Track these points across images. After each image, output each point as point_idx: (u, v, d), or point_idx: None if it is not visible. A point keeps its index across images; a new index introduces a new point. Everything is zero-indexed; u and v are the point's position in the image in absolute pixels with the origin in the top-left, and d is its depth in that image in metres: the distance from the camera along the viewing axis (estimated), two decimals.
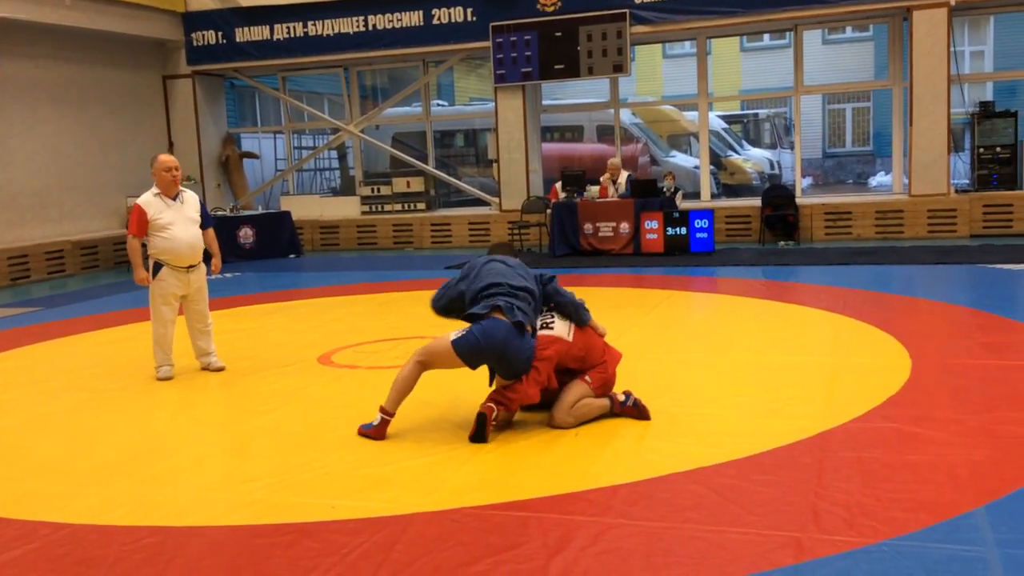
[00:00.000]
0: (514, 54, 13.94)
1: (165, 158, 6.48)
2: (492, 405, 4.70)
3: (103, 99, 14.52)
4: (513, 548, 3.40)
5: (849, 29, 22.89)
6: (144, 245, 6.45)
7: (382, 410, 4.82)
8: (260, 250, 14.37)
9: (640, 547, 3.35)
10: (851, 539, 3.33)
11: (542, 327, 4.90)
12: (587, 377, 4.94)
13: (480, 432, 4.64)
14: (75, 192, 13.97)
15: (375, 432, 4.80)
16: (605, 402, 4.97)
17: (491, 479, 4.17)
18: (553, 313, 5.00)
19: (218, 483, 4.40)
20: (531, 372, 4.72)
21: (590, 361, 4.99)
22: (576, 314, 4.99)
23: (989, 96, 17.47)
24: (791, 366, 5.95)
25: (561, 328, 4.91)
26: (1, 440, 5.25)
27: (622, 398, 4.99)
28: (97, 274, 13.46)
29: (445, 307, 4.99)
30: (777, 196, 13.28)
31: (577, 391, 4.89)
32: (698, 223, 11.90)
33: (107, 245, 14.01)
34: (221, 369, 6.61)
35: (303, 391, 5.91)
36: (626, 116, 17.45)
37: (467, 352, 4.67)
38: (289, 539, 3.57)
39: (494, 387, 4.85)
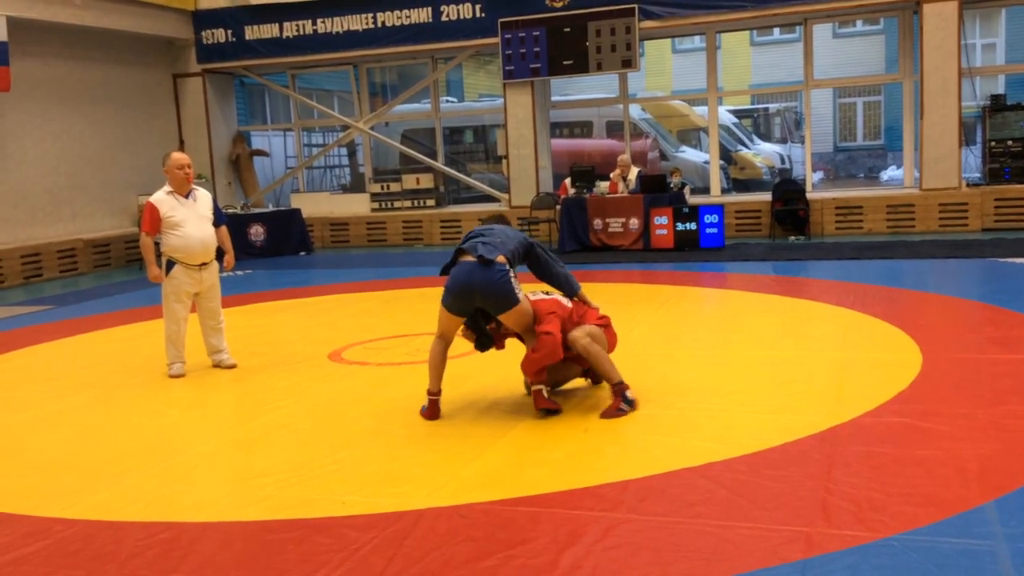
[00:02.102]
0: (523, 50, 13.94)
1: (178, 156, 6.50)
2: (540, 387, 4.91)
3: (113, 98, 14.59)
4: (523, 543, 3.41)
5: (859, 23, 22.83)
6: (157, 243, 6.48)
7: (428, 392, 5.08)
8: (271, 247, 14.42)
9: (650, 542, 3.36)
10: (860, 534, 3.33)
11: (544, 293, 5.14)
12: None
13: (550, 411, 4.93)
14: (86, 191, 14.04)
15: (428, 414, 5.07)
16: (612, 369, 4.99)
17: (500, 475, 4.18)
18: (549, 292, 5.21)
19: (230, 479, 4.44)
20: (542, 329, 4.87)
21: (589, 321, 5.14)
22: (566, 284, 5.17)
23: (1001, 89, 17.41)
24: (801, 361, 5.94)
25: (560, 297, 5.14)
26: (14, 437, 5.30)
27: (630, 394, 5.00)
28: (109, 272, 13.53)
29: (444, 271, 5.15)
30: (788, 191, 13.23)
31: (596, 331, 5.05)
32: (708, 218, 11.87)
33: (119, 243, 14.08)
34: (233, 366, 6.64)
35: (314, 388, 5.93)
36: (635, 111, 17.43)
37: (448, 303, 4.95)
38: (300, 534, 3.60)
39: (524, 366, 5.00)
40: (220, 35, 15.47)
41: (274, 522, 3.75)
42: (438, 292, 5.22)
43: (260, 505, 3.96)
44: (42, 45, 13.27)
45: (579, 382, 5.52)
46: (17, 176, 13.00)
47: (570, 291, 5.16)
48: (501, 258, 4.88)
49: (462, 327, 5.15)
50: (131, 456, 4.78)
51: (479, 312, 5.05)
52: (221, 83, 16.20)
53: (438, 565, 3.28)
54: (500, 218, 5.53)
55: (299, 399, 5.67)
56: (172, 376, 6.47)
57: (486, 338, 5.24)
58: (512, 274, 4.91)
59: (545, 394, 4.96)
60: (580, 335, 4.97)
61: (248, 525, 3.76)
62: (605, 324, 5.25)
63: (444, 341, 5.09)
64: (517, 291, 4.90)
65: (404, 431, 4.92)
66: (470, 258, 4.90)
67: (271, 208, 15.68)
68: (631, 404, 4.95)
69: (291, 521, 3.75)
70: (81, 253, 13.57)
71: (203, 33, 15.52)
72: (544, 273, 5.21)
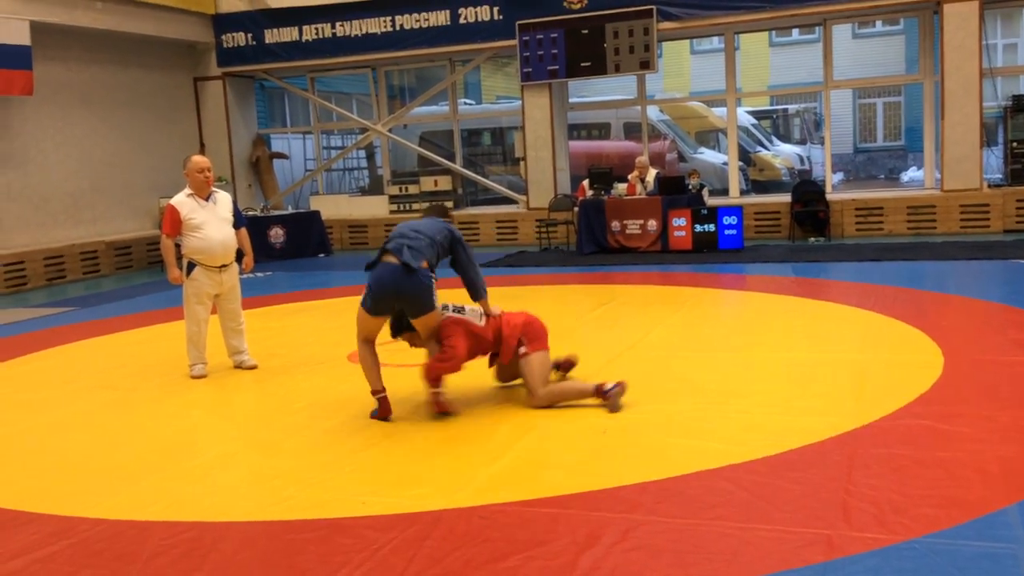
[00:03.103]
0: (540, 52, 13.95)
1: (198, 159, 6.55)
2: (438, 391, 5.11)
3: (135, 101, 14.71)
4: (542, 544, 3.42)
5: (879, 23, 22.69)
6: (177, 245, 6.54)
7: (373, 393, 5.19)
8: (290, 250, 14.50)
9: (669, 544, 3.36)
10: (882, 536, 3.32)
11: (455, 310, 5.27)
12: (522, 348, 5.25)
13: (446, 413, 5.12)
14: (108, 193, 14.16)
15: (380, 413, 5.16)
16: (586, 388, 5.19)
17: (519, 476, 4.19)
18: (462, 307, 5.33)
19: (251, 479, 4.47)
20: (449, 343, 5.08)
21: (512, 335, 5.29)
22: (472, 287, 5.35)
23: (1022, 89, 17.24)
24: (821, 363, 5.92)
25: (471, 315, 5.29)
26: (38, 437, 5.36)
27: (609, 386, 5.12)
28: (130, 274, 13.64)
29: (371, 263, 5.25)
30: (807, 192, 13.18)
31: (531, 367, 5.20)
32: (727, 220, 11.84)
33: (140, 246, 14.20)
34: (253, 367, 6.69)
35: (333, 389, 5.96)
36: (653, 113, 17.40)
37: (370, 304, 5.09)
38: (321, 534, 3.62)
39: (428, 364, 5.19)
40: (240, 39, 15.57)
41: (295, 522, 3.78)
42: (455, 295, 5.25)
43: (281, 505, 3.99)
44: (64, 49, 13.41)
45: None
46: (40, 179, 13.14)
47: (475, 295, 5.36)
48: (425, 264, 5.04)
49: (406, 335, 5.30)
50: (153, 456, 4.82)
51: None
52: (241, 86, 16.31)
53: (458, 566, 3.29)
54: (439, 209, 5.72)
55: (318, 400, 5.69)
56: (194, 377, 6.52)
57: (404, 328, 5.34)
58: (433, 281, 5.07)
59: (442, 399, 5.12)
60: (540, 398, 5.16)
61: (269, 525, 3.79)
62: (530, 322, 5.40)
63: (368, 342, 5.23)
64: (435, 298, 5.11)
65: (423, 433, 4.94)
66: (394, 260, 5.02)
67: (291, 210, 15.77)
68: (616, 392, 5.06)
69: (312, 521, 3.77)
70: (103, 255, 13.69)
71: (223, 37, 15.63)
72: (460, 271, 5.39)
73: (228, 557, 3.51)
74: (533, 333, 5.36)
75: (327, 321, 8.75)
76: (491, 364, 5.58)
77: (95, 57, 14.02)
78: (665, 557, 3.27)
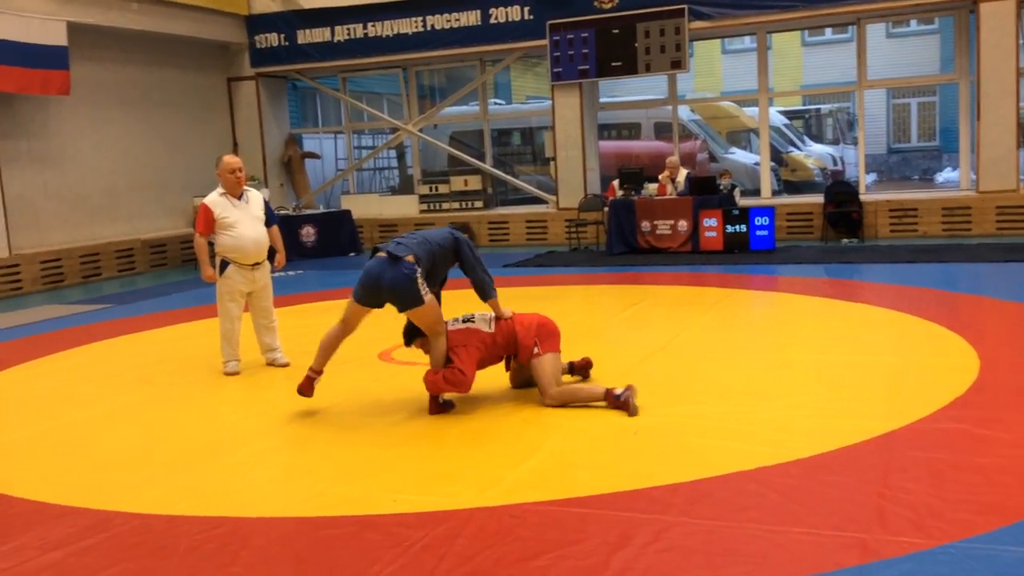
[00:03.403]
0: (571, 52, 13.94)
1: (229, 159, 6.60)
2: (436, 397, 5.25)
3: (169, 101, 14.88)
4: (573, 544, 3.42)
5: (914, 22, 22.42)
6: (210, 243, 6.60)
7: (310, 368, 5.39)
8: (321, 248, 14.60)
9: (701, 545, 3.35)
10: (918, 541, 3.28)
11: (463, 321, 5.31)
12: (536, 349, 5.25)
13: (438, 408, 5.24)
14: (143, 192, 14.33)
15: (301, 387, 5.38)
16: (595, 390, 5.20)
17: (549, 476, 4.19)
18: (472, 315, 5.36)
19: (283, 476, 4.51)
20: (455, 363, 5.15)
21: (527, 336, 5.29)
22: (480, 288, 5.34)
23: None
24: (855, 365, 5.86)
25: (480, 323, 5.31)
26: (76, 432, 5.44)
27: (619, 391, 5.11)
28: (165, 272, 13.81)
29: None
30: (840, 192, 13.06)
31: (543, 367, 5.21)
32: (758, 220, 11.76)
33: (175, 244, 14.36)
34: (286, 365, 6.74)
35: (364, 387, 5.99)
36: (684, 113, 17.32)
37: (359, 293, 5.23)
38: (353, 531, 3.65)
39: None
40: (273, 39, 15.70)
41: (327, 518, 3.81)
42: (463, 298, 5.28)
43: (313, 502, 4.02)
44: (101, 50, 13.59)
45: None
46: (76, 178, 13.33)
47: (482, 295, 5.37)
48: (410, 258, 5.10)
49: (418, 341, 5.36)
50: (188, 452, 4.88)
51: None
52: (274, 86, 16.44)
53: (489, 564, 3.30)
54: (460, 224, 5.71)
55: (350, 398, 5.73)
56: (227, 374, 6.58)
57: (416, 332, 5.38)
58: (419, 273, 5.08)
59: (440, 401, 5.27)
60: (551, 397, 5.18)
61: (302, 521, 3.82)
62: (543, 323, 5.40)
63: (345, 327, 5.37)
64: (423, 292, 5.10)
65: (453, 431, 4.95)
66: (383, 254, 5.17)
67: (322, 209, 15.87)
68: (627, 396, 5.05)
69: (344, 518, 3.80)
70: (138, 253, 13.87)
71: (256, 37, 15.76)
72: (467, 272, 5.40)
73: (261, 553, 3.55)
74: (546, 334, 5.36)
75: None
76: (508, 368, 5.58)
77: (131, 57, 14.20)
78: (697, 558, 3.26)
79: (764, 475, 3.98)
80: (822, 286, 9.17)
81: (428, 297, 5.14)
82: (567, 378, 5.57)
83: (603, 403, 5.15)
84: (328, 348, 5.39)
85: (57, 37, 12.20)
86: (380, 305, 5.30)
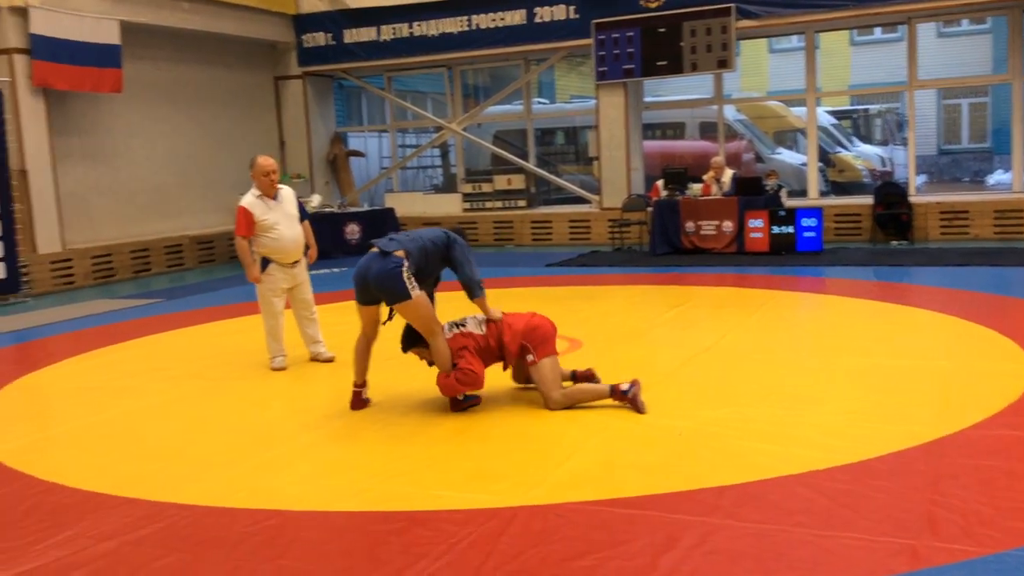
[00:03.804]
0: (616, 51, 13.89)
1: (264, 161, 6.65)
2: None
3: (218, 99, 15.10)
4: (619, 545, 3.42)
5: (965, 22, 22.01)
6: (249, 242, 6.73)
7: (353, 384, 5.48)
8: (365, 246, 14.62)
9: (749, 549, 3.33)
10: (969, 548, 3.23)
11: (456, 326, 5.34)
12: (529, 357, 5.25)
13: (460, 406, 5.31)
14: (192, 189, 14.56)
15: (352, 404, 5.46)
16: (602, 389, 5.22)
17: (594, 476, 4.19)
18: (464, 319, 5.40)
19: (330, 470, 4.56)
20: (461, 364, 5.18)
21: (512, 342, 5.28)
22: (468, 286, 5.35)
23: None
24: (904, 370, 5.78)
25: (472, 326, 5.34)
26: (127, 424, 5.55)
27: (625, 387, 5.14)
28: (212, 268, 14.02)
29: None
30: (890, 194, 12.87)
31: (541, 374, 5.22)
32: (805, 221, 11.64)
33: (222, 240, 14.56)
34: (330, 360, 6.82)
35: (407, 383, 6.02)
36: (730, 112, 17.17)
37: (355, 291, 5.33)
38: (400, 526, 3.68)
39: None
40: (320, 38, 15.86)
41: (374, 513, 3.85)
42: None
43: (360, 497, 4.06)
44: (152, 48, 13.82)
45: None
46: (128, 175, 13.58)
47: (469, 293, 5.38)
48: (400, 252, 5.15)
49: (421, 351, 5.39)
50: (237, 445, 4.96)
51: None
52: (320, 85, 16.61)
53: (535, 563, 3.31)
54: (454, 228, 5.75)
55: (394, 394, 5.77)
56: (274, 369, 6.68)
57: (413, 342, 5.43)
58: (405, 267, 5.10)
59: (461, 398, 5.33)
60: (555, 402, 5.21)
61: (349, 516, 3.86)
62: (535, 326, 5.36)
63: (365, 336, 5.45)
64: (410, 286, 5.10)
65: (497, 429, 4.97)
66: (375, 249, 5.24)
67: (366, 207, 15.99)
68: (634, 392, 5.12)
69: (390, 513, 3.83)
70: (187, 249, 14.10)
71: (304, 37, 15.93)
72: (455, 269, 5.42)
73: (310, 546, 3.59)
74: (539, 337, 5.30)
75: (400, 317, 8.84)
76: (505, 368, 5.57)
77: (181, 56, 14.43)
78: (745, 562, 3.24)
79: (812, 479, 3.94)
80: (871, 289, 9.05)
81: (416, 293, 5.12)
82: (566, 383, 5.51)
83: (610, 400, 5.18)
84: (361, 358, 5.45)
85: (110, 36, 12.44)
86: (376, 301, 5.31)
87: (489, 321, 5.38)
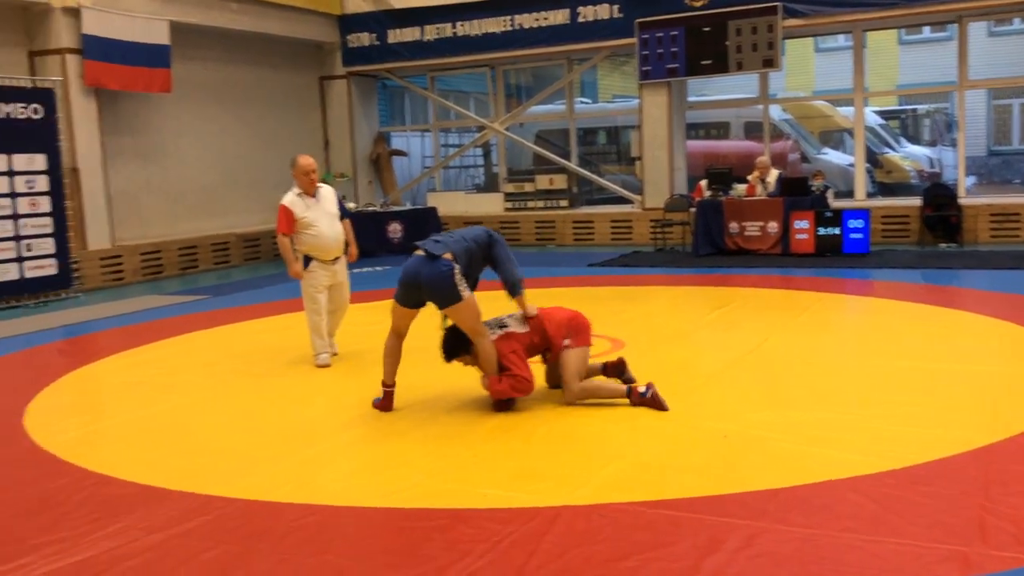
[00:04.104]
0: (660, 50, 13.82)
1: (305, 161, 6.80)
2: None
3: (264, 99, 15.28)
4: (663, 546, 3.40)
5: (1016, 20, 21.56)
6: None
7: (383, 384, 5.43)
8: (408, 244, 14.74)
9: (795, 553, 3.29)
10: (1021, 556, 3.18)
11: (499, 327, 5.35)
12: (566, 341, 5.32)
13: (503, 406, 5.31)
14: (238, 188, 14.75)
15: (382, 405, 5.42)
16: (619, 388, 5.30)
17: (639, 477, 4.18)
18: (503, 318, 5.41)
19: (374, 466, 4.60)
20: (512, 370, 5.21)
21: (557, 334, 5.33)
22: (509, 284, 5.40)
23: None
24: (954, 374, 5.68)
25: (514, 325, 5.36)
26: (176, 418, 5.64)
27: (642, 389, 5.19)
28: (258, 265, 14.19)
29: None
30: (939, 195, 12.66)
31: (570, 361, 5.28)
32: (852, 223, 11.48)
33: (267, 238, 14.72)
34: (334, 354, 6.96)
35: (450, 381, 6.03)
36: (775, 112, 17.00)
37: (399, 295, 5.34)
38: (444, 523, 3.70)
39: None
40: (364, 39, 15.97)
41: (419, 510, 3.87)
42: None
43: (404, 493, 4.08)
44: (200, 49, 14.02)
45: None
46: (176, 173, 13.80)
47: (510, 290, 5.41)
48: (448, 255, 5.13)
49: (466, 358, 5.39)
50: (283, 440, 5.02)
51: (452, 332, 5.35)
52: (365, 85, 16.73)
53: (578, 563, 3.31)
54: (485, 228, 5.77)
55: (436, 392, 5.79)
56: (319, 366, 6.75)
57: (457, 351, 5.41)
58: (456, 270, 5.11)
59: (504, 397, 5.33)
60: (573, 392, 5.29)
61: (393, 512, 3.89)
62: (574, 317, 5.43)
63: (397, 335, 5.43)
64: (462, 288, 5.13)
65: (541, 428, 4.98)
66: (421, 252, 5.23)
67: (408, 206, 16.08)
68: (653, 391, 5.19)
69: (434, 510, 3.85)
70: (233, 246, 14.29)
71: (348, 37, 16.06)
72: (497, 267, 5.46)
73: (354, 541, 3.63)
74: (577, 328, 5.40)
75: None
76: (545, 361, 5.59)
77: (228, 56, 14.62)
78: (790, 567, 3.21)
79: (860, 484, 3.89)
80: (919, 292, 8.91)
81: (467, 294, 5.15)
82: (599, 378, 5.54)
83: (625, 400, 5.24)
84: (392, 359, 5.43)
85: (160, 36, 12.64)
86: (421, 304, 5.34)
87: (528, 317, 5.40)
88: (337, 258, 6.89)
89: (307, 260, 6.79)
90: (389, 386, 5.43)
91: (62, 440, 5.15)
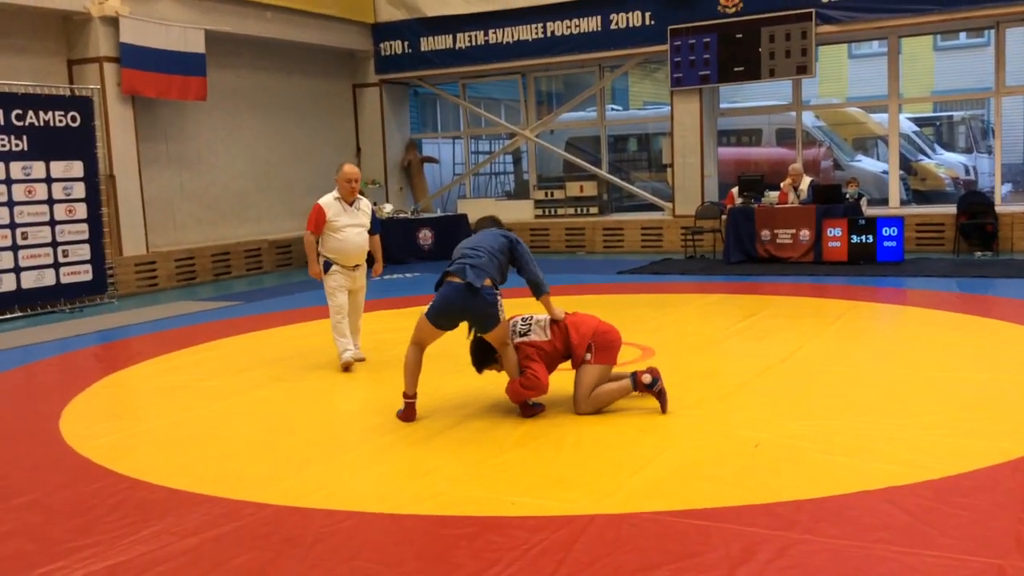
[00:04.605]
0: (692, 57, 13.78)
1: (349, 169, 6.97)
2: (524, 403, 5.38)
3: (297, 106, 15.42)
4: (694, 556, 3.38)
5: None
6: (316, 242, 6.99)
7: (404, 395, 5.40)
8: (438, 251, 14.84)
9: (827, 565, 3.26)
10: None
11: (521, 334, 5.36)
12: (587, 356, 5.28)
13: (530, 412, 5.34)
14: (271, 194, 14.89)
15: (404, 416, 5.39)
16: (624, 384, 5.29)
17: (669, 486, 4.16)
18: (529, 324, 5.42)
19: (404, 472, 4.61)
20: (527, 371, 5.24)
21: (581, 343, 5.30)
22: (535, 286, 5.44)
23: None
24: (990, 384, 5.60)
25: (537, 332, 5.36)
26: (208, 423, 5.70)
27: (648, 380, 5.19)
28: (290, 271, 14.30)
29: (438, 283, 5.42)
30: (974, 203, 12.49)
31: (586, 377, 5.26)
32: (886, 231, 11.36)
33: (299, 245, 14.77)
34: (361, 360, 7.05)
35: (481, 389, 6.05)
36: (808, 119, 16.87)
37: (435, 318, 5.31)
38: (473, 531, 3.70)
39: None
40: (397, 47, 16.08)
41: (448, 518, 3.87)
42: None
43: (434, 500, 4.09)
44: (235, 57, 14.19)
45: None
46: (210, 180, 13.96)
47: (536, 292, 5.44)
48: (488, 281, 5.19)
49: (495, 367, 5.45)
50: (314, 446, 5.05)
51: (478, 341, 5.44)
52: (397, 93, 16.84)
53: (608, 571, 3.29)
54: (491, 220, 5.83)
55: (467, 399, 5.80)
56: (344, 363, 6.87)
57: (486, 361, 5.48)
58: (499, 296, 5.24)
59: (530, 403, 5.36)
60: (584, 408, 5.28)
61: (423, 519, 3.89)
62: (604, 331, 5.38)
63: (419, 347, 5.44)
64: (501, 312, 5.25)
65: (571, 436, 4.96)
66: (458, 280, 5.19)
67: (439, 213, 16.16)
68: (655, 384, 5.23)
69: (463, 518, 3.85)
70: (265, 253, 14.41)
71: (381, 45, 16.17)
72: (521, 270, 5.50)
73: (384, 547, 3.64)
74: (604, 343, 5.34)
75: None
76: (574, 365, 5.52)
77: (262, 64, 14.78)
78: None
79: (894, 495, 3.84)
80: (954, 300, 8.79)
81: (503, 314, 5.27)
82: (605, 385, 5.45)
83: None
84: (413, 370, 5.43)
85: (196, 44, 12.81)
86: (456, 326, 5.42)
87: (553, 322, 5.39)
88: (358, 266, 7.04)
89: (328, 265, 6.95)
90: (411, 397, 5.44)
91: (96, 445, 5.21)
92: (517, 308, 5.77)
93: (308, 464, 4.72)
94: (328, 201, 6.93)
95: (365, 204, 7.14)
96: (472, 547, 3.55)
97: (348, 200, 6.96)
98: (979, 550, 3.30)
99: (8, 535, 3.93)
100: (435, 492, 4.20)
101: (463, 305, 5.22)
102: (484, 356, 5.44)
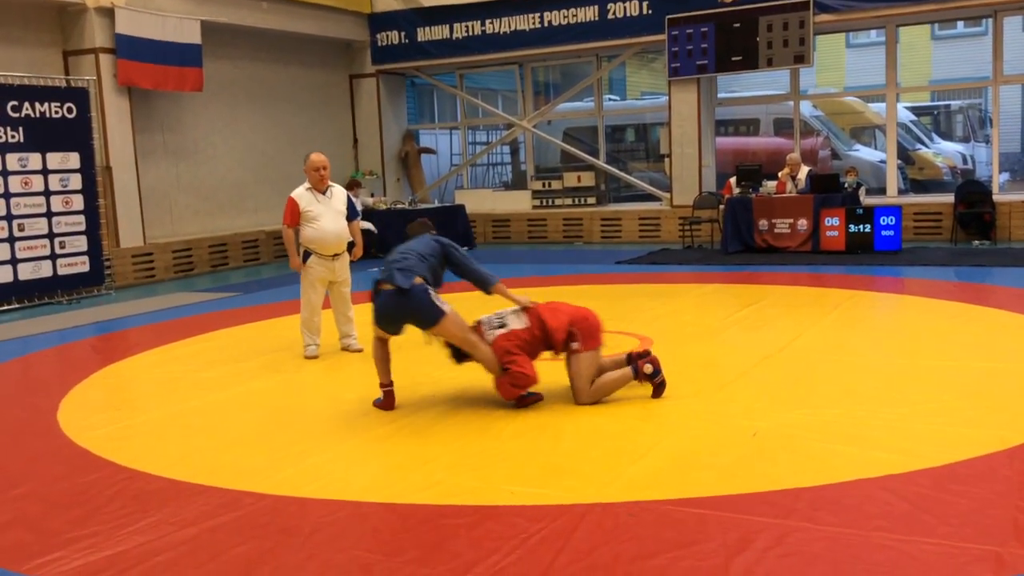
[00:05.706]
0: (690, 47, 13.75)
1: (316, 158, 7.00)
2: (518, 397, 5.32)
3: (294, 97, 15.38)
4: (692, 545, 3.38)
5: None
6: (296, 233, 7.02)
7: (380, 385, 5.46)
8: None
9: (825, 552, 3.26)
10: None
11: (498, 327, 5.31)
12: (574, 344, 5.23)
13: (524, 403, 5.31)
14: (268, 185, 14.82)
15: (383, 404, 5.45)
16: (625, 373, 5.30)
17: (667, 475, 4.16)
18: (502, 317, 5.36)
19: (403, 462, 4.61)
20: (512, 369, 5.18)
21: (559, 327, 5.25)
22: (481, 281, 5.47)
23: None
24: (987, 372, 5.61)
25: (513, 321, 5.32)
26: (206, 414, 5.69)
27: (649, 370, 5.23)
28: (286, 262, 14.20)
29: (373, 293, 5.41)
30: (972, 192, 12.49)
31: (581, 367, 5.23)
32: (884, 220, 11.36)
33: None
34: (359, 351, 7.04)
35: (480, 381, 6.04)
36: (806, 108, 16.86)
37: (379, 324, 5.35)
38: (472, 520, 3.70)
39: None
40: (394, 37, 16.03)
41: (448, 507, 3.87)
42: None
43: (432, 490, 4.09)
44: (231, 48, 14.14)
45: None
46: (208, 171, 13.93)
47: (484, 286, 5.46)
48: (418, 279, 5.18)
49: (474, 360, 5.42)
50: (312, 436, 5.05)
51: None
52: (393, 83, 16.79)
53: (606, 560, 3.30)
54: (421, 226, 5.81)
55: (466, 390, 5.80)
56: (307, 357, 6.98)
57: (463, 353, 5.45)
58: (431, 291, 5.19)
59: (525, 393, 5.31)
60: (584, 400, 5.27)
61: (422, 508, 3.89)
62: (584, 317, 5.36)
63: (382, 341, 5.45)
64: (440, 305, 5.20)
65: (570, 425, 4.97)
66: (389, 287, 5.18)
67: (436, 204, 16.13)
68: (657, 375, 5.27)
69: (462, 507, 3.86)
70: (263, 244, 14.39)
71: (378, 35, 16.12)
72: (462, 272, 5.52)
73: (383, 537, 3.64)
74: (587, 329, 5.31)
75: (471, 313, 8.88)
76: (557, 353, 5.50)
77: (259, 55, 14.73)
78: (820, 566, 3.18)
79: (892, 483, 3.85)
80: (952, 289, 8.80)
81: (447, 308, 5.23)
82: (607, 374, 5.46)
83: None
84: (382, 361, 5.46)
85: (192, 35, 12.76)
86: (403, 329, 5.39)
87: (524, 309, 5.37)
88: (337, 255, 7.02)
89: (306, 255, 6.96)
90: (387, 385, 5.47)
91: (94, 436, 5.21)
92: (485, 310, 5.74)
93: (306, 454, 4.72)
94: (299, 192, 6.97)
95: (339, 191, 7.14)
96: (471, 536, 3.55)
97: (319, 188, 6.97)
98: (977, 537, 3.31)
99: (7, 526, 3.93)
100: (433, 481, 4.20)
101: (396, 308, 5.22)
102: (460, 351, 5.42)
